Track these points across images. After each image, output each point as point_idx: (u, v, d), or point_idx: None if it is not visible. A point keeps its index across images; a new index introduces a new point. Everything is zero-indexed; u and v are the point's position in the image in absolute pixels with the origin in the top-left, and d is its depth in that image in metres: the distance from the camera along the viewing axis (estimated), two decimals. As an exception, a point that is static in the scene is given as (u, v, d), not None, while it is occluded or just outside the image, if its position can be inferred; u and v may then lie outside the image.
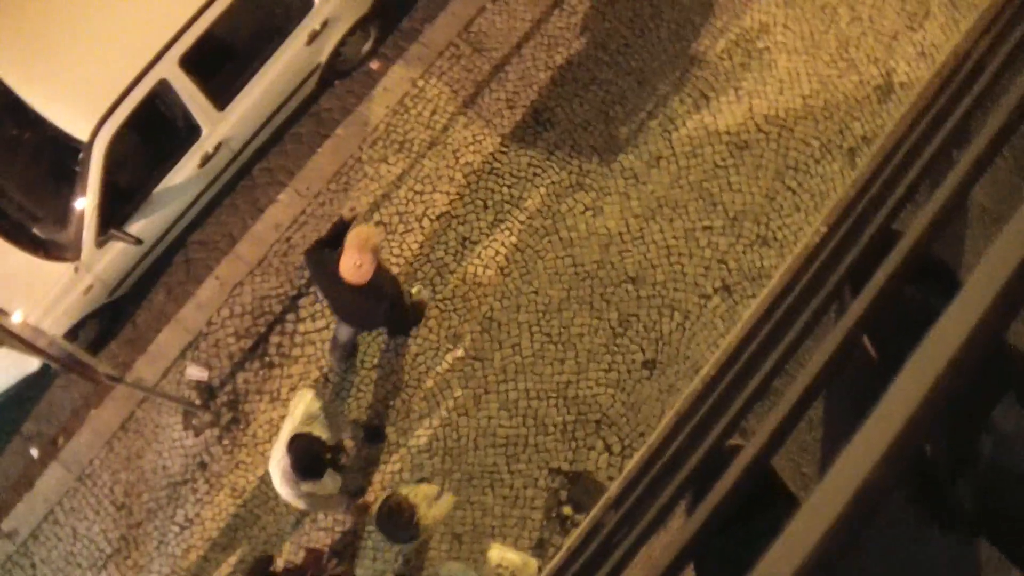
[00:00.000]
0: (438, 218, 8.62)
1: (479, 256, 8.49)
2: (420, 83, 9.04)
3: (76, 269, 7.95)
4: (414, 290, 8.44)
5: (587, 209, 8.52)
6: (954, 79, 3.74)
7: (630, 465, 4.19)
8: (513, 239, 8.49)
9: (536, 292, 8.35)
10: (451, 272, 8.47)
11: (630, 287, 8.33)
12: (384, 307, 7.14)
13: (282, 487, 6.87)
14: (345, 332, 8.17)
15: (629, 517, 3.57)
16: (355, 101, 9.14)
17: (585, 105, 8.84)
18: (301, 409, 6.95)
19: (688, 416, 3.77)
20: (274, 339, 8.59)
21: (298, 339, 8.56)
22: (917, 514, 3.65)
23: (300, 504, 7.03)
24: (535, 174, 8.65)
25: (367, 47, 9.25)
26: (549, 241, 8.46)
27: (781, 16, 9.06)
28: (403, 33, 9.30)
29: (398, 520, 6.85)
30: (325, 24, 8.64)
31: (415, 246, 8.58)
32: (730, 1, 9.13)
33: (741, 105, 8.76)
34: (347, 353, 8.40)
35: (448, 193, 8.68)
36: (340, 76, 9.26)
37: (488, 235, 8.53)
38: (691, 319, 8.27)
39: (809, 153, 8.65)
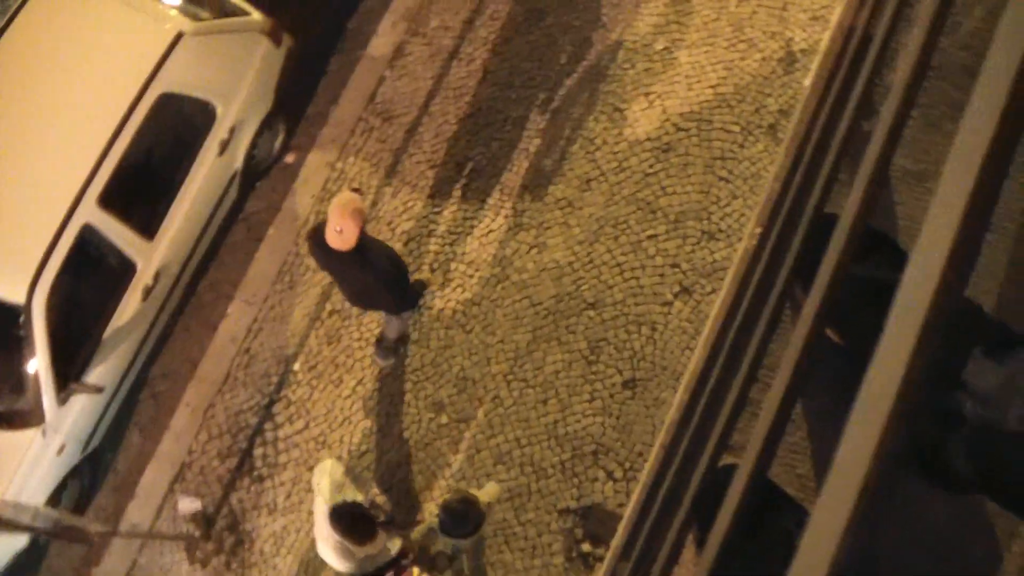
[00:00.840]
0: (389, 292, 8.58)
1: (438, 319, 8.46)
2: (339, 165, 9.03)
3: (44, 432, 7.83)
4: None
5: (531, 247, 8.52)
6: (848, 47, 3.77)
7: (628, 510, 4.16)
8: (467, 295, 8.47)
9: (502, 341, 8.32)
10: (414, 341, 8.43)
11: (592, 313, 8.32)
12: (376, 270, 7.13)
13: (341, 563, 6.66)
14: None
15: (640, 565, 3.53)
16: (280, 198, 9.12)
17: (505, 146, 8.86)
18: (326, 482, 6.84)
19: (673, 446, 3.75)
20: (258, 452, 8.50)
21: (281, 445, 8.48)
22: (919, 478, 3.64)
23: (365, 568, 6.82)
24: (472, 226, 8.64)
25: (279, 142, 9.24)
26: (503, 287, 8.44)
27: (672, 14, 9.14)
28: (311, 120, 9.30)
29: (466, 507, 6.68)
30: (233, 131, 8.63)
31: (372, 324, 8.53)
32: (619, 12, 9.20)
33: (655, 109, 8.80)
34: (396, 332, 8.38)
35: (393, 266, 8.65)
36: (260, 177, 9.24)
37: (441, 297, 8.50)
38: (659, 329, 8.26)
39: (732, 140, 8.70)
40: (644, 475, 4.10)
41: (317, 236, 7.14)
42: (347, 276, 7.42)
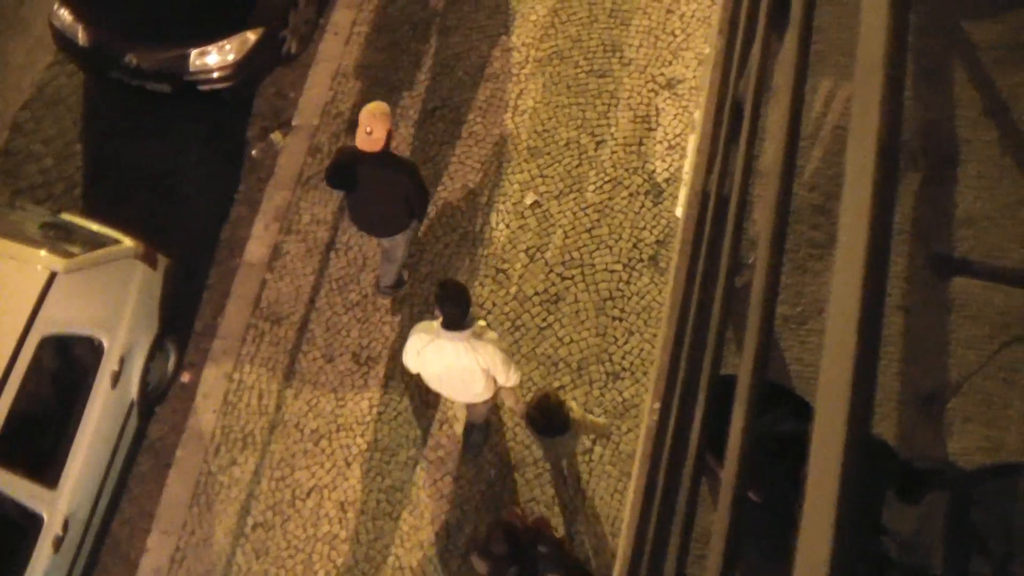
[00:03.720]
0: (309, 495, 8.42)
1: (363, 512, 8.31)
2: (236, 376, 8.93)
3: None
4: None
5: (443, 422, 8.48)
6: (706, 212, 3.90)
7: None
8: (388, 482, 8.36)
9: (431, 523, 8.19)
10: (343, 541, 8.25)
11: (516, 476, 8.27)
12: (405, 167, 7.89)
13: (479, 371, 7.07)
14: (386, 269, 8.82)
15: None
16: (182, 419, 8.94)
17: (396, 327, 8.88)
18: (420, 335, 7.10)
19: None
20: None
21: (225, 674, 8.15)
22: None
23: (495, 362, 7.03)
24: (380, 413, 8.58)
25: (172, 363, 9.10)
26: (422, 469, 8.36)
27: (534, 168, 9.37)
28: (200, 335, 9.20)
29: (549, 410, 6.93)
30: (123, 361, 8.48)
31: (299, 531, 8.34)
32: (484, 176, 9.39)
33: (537, 264, 8.95)
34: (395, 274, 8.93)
35: (308, 467, 8.51)
36: (158, 402, 9.05)
37: (362, 490, 8.37)
38: (584, 478, 8.24)
39: (617, 278, 8.87)
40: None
41: (342, 156, 8.02)
42: (378, 181, 7.84)
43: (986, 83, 4.90)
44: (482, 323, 7.08)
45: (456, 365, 7.05)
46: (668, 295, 4.05)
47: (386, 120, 7.60)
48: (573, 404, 7.40)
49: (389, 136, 7.65)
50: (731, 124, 4.03)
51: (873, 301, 2.77)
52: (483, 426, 8.29)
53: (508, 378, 7.18)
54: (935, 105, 4.53)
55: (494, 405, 8.15)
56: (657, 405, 3.83)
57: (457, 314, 6.86)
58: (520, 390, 8.16)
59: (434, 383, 7.44)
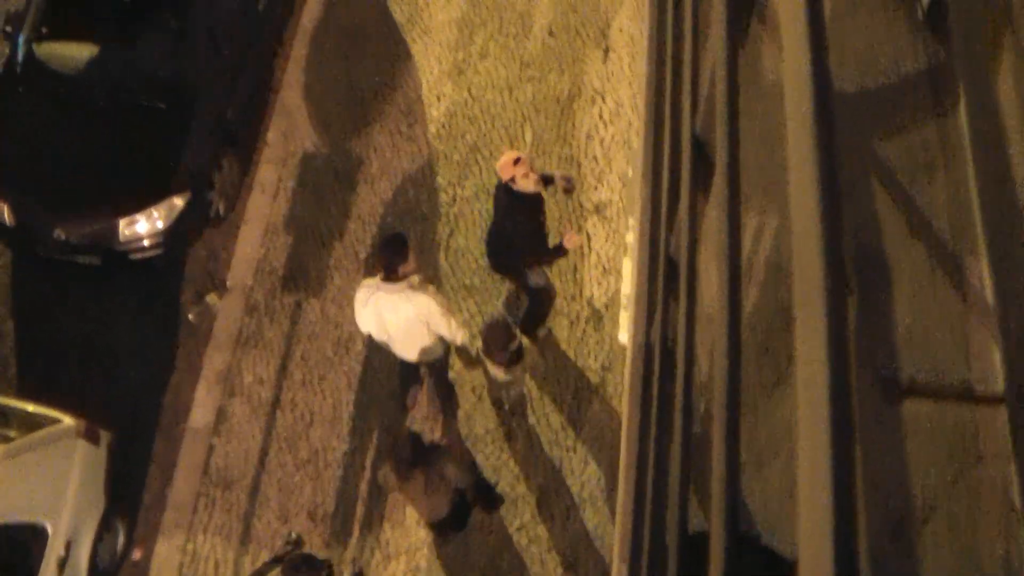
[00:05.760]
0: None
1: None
2: (189, 547, 8.70)
3: None
4: None
5: (407, 573, 8.31)
6: (652, 365, 3.89)
7: None
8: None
9: None
10: None
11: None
12: (534, 218, 8.06)
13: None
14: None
15: None
16: (136, 598, 8.67)
17: (350, 483, 8.75)
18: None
19: None
20: None
21: None
22: None
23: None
24: (341, 572, 8.36)
25: (121, 542, 8.83)
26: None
27: (472, 306, 9.39)
28: (149, 508, 8.96)
29: (500, 329, 7.62)
30: (69, 545, 8.22)
31: None
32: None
33: (484, 403, 8.90)
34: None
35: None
36: (108, 584, 8.77)
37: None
38: (555, 617, 8.10)
39: (567, 409, 8.84)
40: None
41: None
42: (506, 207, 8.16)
43: (906, 201, 5.02)
44: (417, 278, 7.40)
45: (398, 317, 7.37)
46: (623, 454, 4.02)
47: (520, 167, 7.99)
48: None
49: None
50: (667, 275, 4.06)
51: (842, 437, 2.74)
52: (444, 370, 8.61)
53: (451, 332, 7.53)
54: (860, 228, 4.61)
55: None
56: (624, 567, 3.77)
57: (387, 262, 7.22)
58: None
59: (386, 341, 7.75)
